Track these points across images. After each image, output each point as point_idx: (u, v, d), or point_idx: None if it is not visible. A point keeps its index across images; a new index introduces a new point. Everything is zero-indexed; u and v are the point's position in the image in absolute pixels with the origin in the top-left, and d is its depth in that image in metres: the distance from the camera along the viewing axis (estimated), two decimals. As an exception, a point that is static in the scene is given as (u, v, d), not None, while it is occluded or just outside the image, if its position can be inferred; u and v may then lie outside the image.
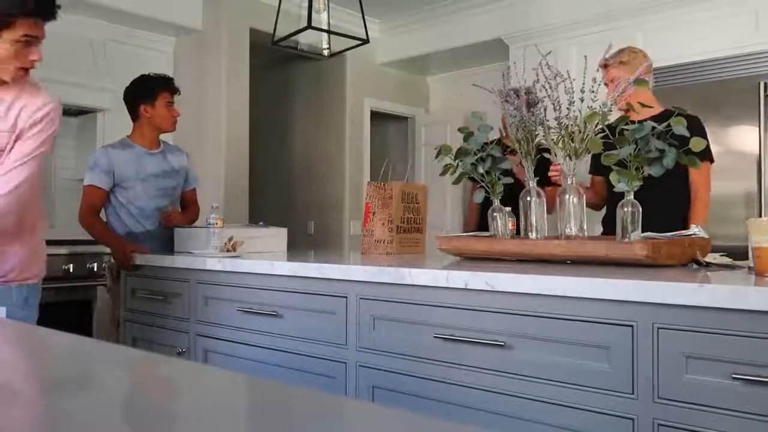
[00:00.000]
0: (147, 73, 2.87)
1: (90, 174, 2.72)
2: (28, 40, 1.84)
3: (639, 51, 2.67)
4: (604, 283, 1.37)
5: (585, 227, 1.95)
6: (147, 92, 2.80)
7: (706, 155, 2.52)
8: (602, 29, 4.05)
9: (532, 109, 2.01)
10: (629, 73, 2.29)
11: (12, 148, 1.91)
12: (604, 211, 2.71)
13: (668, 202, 2.45)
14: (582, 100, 1.91)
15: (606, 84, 2.50)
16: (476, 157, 2.09)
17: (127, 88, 2.87)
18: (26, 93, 1.94)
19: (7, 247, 2.00)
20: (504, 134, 3.29)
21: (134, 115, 2.85)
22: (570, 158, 1.94)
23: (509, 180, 2.13)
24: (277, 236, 2.77)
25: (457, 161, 2.14)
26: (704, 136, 2.45)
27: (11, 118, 1.90)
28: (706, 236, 1.85)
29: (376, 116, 5.54)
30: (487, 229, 2.20)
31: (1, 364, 0.83)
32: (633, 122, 1.87)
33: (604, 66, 2.58)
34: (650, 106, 2.22)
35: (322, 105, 5.38)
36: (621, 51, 2.64)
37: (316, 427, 0.55)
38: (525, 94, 2.04)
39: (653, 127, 1.77)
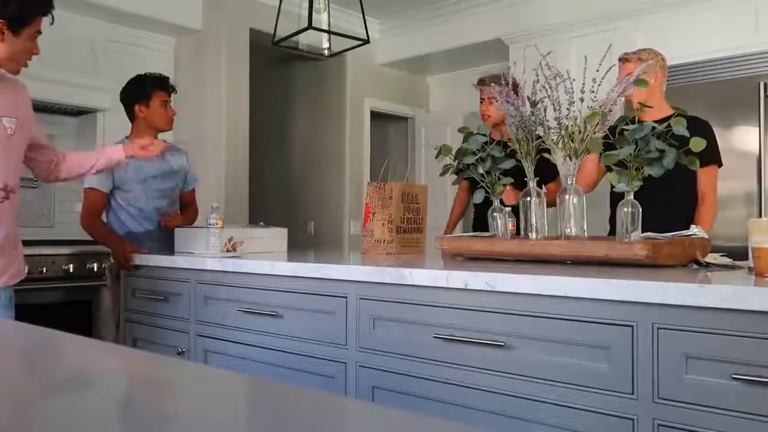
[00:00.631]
0: (142, 73, 2.87)
1: (90, 176, 2.72)
2: (35, 36, 1.94)
3: (659, 54, 2.68)
4: (604, 283, 1.37)
5: (585, 227, 1.95)
6: (141, 92, 2.80)
7: (714, 158, 2.51)
8: (602, 29, 4.05)
9: (516, 89, 2.01)
10: (645, 72, 2.31)
11: (18, 134, 1.99)
12: (609, 211, 2.71)
13: (672, 202, 2.45)
14: (582, 100, 1.91)
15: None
16: (476, 157, 2.09)
17: (122, 88, 2.87)
18: (17, 84, 2.03)
19: (19, 244, 2.04)
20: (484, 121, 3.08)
21: (131, 116, 2.85)
22: (570, 158, 1.94)
23: (509, 180, 2.13)
24: (277, 236, 2.77)
25: (457, 161, 2.14)
26: (713, 139, 2.44)
27: (15, 107, 1.99)
28: (706, 236, 1.85)
29: (376, 116, 5.53)
30: (485, 229, 2.20)
31: (1, 365, 0.83)
32: (639, 122, 1.87)
33: (623, 60, 2.60)
34: (650, 106, 2.22)
35: (322, 105, 5.38)
36: (642, 50, 2.69)
37: (316, 427, 0.54)
38: (505, 81, 2.05)
39: (653, 128, 1.77)
